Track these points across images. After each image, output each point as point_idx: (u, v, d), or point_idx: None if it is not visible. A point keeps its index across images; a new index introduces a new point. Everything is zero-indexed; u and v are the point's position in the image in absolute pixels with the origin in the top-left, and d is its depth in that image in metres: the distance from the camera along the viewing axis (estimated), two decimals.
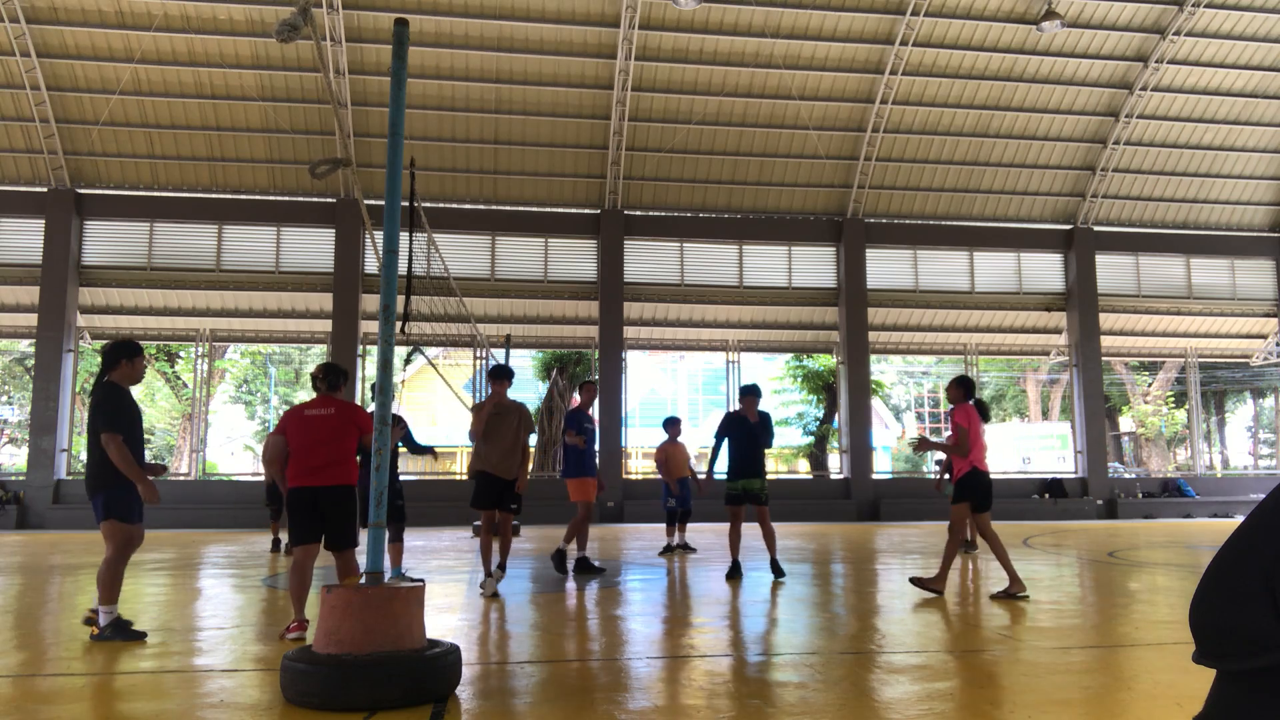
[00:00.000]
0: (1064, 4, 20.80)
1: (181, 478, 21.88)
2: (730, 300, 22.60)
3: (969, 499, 7.52)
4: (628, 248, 22.13)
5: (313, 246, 21.35)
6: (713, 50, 20.93)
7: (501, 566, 7.79)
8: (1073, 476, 23.24)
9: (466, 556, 11.59)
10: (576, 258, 22.28)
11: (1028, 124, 22.81)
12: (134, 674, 4.63)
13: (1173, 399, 33.75)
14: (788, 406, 29.66)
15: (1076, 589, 8.44)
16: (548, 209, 22.17)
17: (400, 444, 8.18)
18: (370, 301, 21.16)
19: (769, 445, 8.85)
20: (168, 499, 20.35)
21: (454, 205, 21.74)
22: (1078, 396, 23.53)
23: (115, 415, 5.51)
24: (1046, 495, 22.58)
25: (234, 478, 27.49)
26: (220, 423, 35.11)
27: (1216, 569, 0.89)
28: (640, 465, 27.51)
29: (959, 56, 21.61)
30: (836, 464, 25.11)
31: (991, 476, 7.71)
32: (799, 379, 29.09)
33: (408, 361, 29.76)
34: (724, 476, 8.91)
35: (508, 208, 22.04)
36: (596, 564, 9.67)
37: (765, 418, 8.77)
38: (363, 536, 4.95)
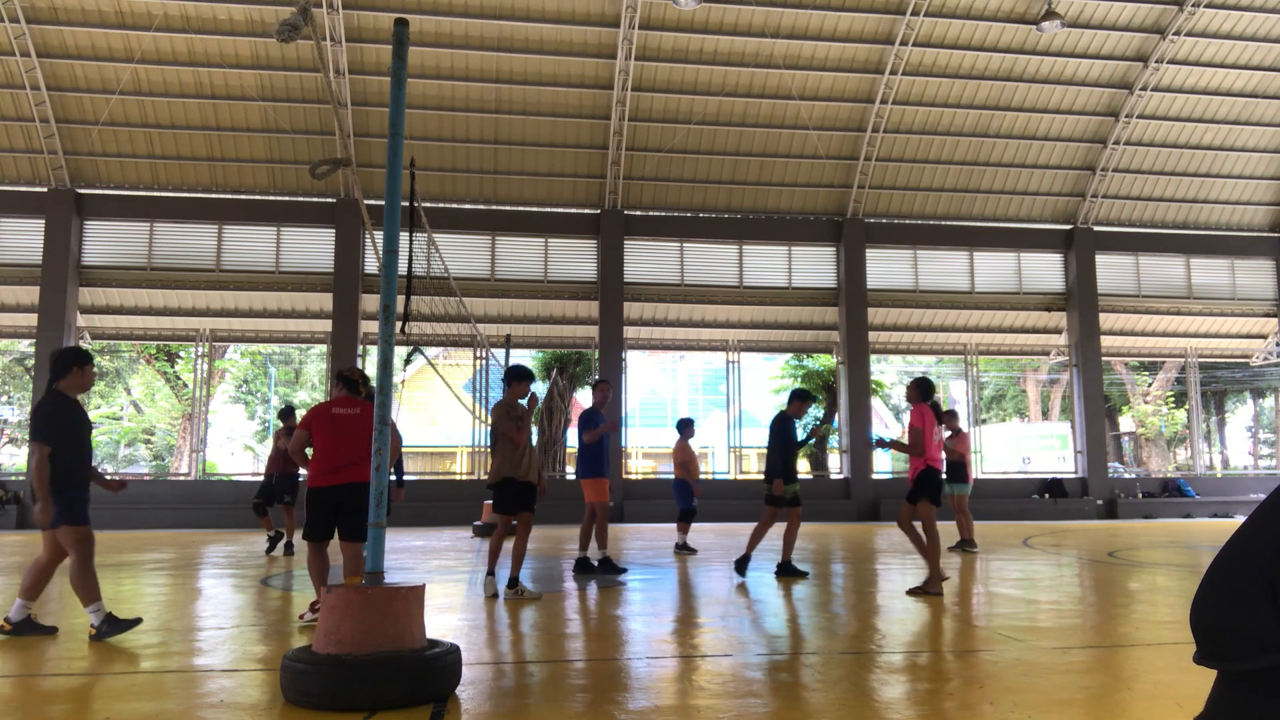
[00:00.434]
0: (1064, 4, 20.80)
1: (181, 478, 21.86)
2: (730, 300, 22.59)
3: (929, 495, 7.80)
4: (628, 248, 22.13)
5: (313, 246, 21.35)
6: (713, 50, 20.93)
7: (513, 582, 7.44)
8: (1073, 476, 23.24)
9: (466, 556, 11.59)
10: (576, 258, 22.28)
11: (1028, 124, 22.80)
12: (134, 674, 4.64)
13: (1173, 399, 33.74)
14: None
15: (1076, 589, 8.45)
16: (548, 209, 22.16)
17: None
18: (370, 301, 21.16)
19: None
20: (169, 499, 20.39)
21: (454, 205, 21.74)
22: (1078, 396, 23.53)
23: (51, 425, 5.55)
24: (1046, 495, 22.58)
25: (234, 478, 27.46)
26: (220, 423, 35.07)
27: (1217, 570, 0.89)
28: (640, 465, 27.52)
29: (959, 56, 21.61)
30: (836, 464, 25.11)
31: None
32: (799, 379, 29.10)
33: (408, 362, 29.72)
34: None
35: (508, 208, 22.04)
36: (619, 565, 9.74)
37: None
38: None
